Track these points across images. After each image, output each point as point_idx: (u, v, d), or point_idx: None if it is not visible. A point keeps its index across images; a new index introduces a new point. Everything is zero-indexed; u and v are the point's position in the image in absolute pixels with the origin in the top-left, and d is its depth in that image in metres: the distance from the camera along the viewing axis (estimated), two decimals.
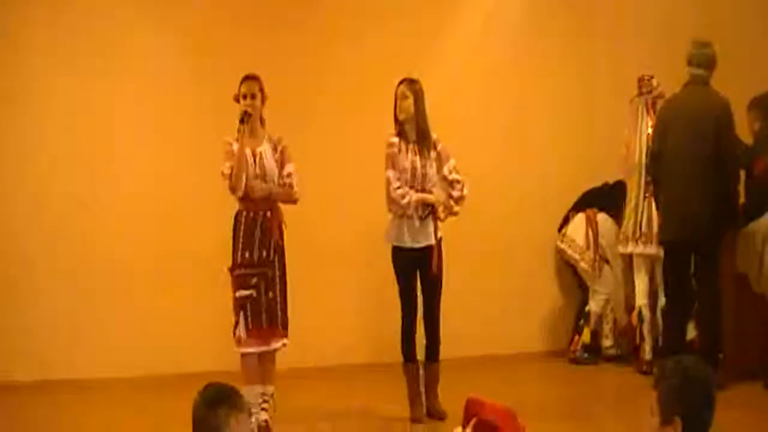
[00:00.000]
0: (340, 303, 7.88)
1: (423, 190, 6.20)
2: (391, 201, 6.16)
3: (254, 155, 5.88)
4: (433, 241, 6.18)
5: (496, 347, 7.97)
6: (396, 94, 6.20)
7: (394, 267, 6.24)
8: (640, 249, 7.43)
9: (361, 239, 7.62)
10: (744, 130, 7.11)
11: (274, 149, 5.97)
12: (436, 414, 6.20)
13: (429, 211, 6.19)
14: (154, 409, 6.71)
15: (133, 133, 7.69)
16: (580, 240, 7.89)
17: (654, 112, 7.31)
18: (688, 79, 6.72)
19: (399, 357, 6.30)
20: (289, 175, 5.98)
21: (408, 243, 6.18)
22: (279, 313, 5.92)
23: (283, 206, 6.04)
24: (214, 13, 7.73)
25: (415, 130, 6.21)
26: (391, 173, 6.16)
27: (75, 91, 7.60)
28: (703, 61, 6.64)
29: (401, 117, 6.20)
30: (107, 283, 7.60)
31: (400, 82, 6.22)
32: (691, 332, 6.96)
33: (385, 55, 7.73)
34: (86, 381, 7.31)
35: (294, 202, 6.04)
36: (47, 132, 7.63)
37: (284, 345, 5.98)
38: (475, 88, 8.19)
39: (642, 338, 7.45)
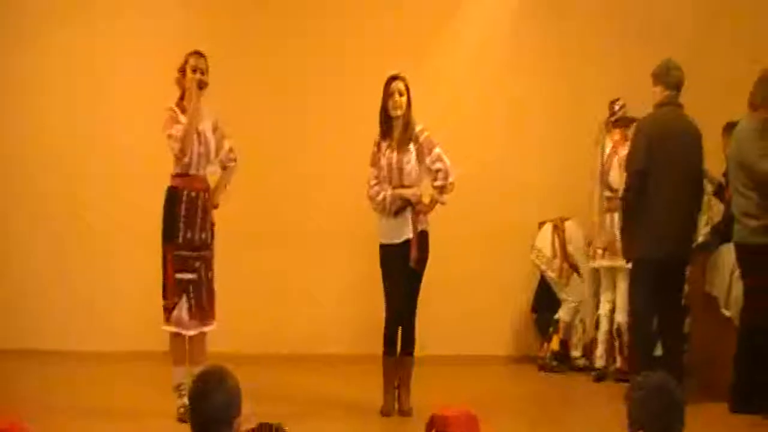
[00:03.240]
0: (323, 293, 7.93)
1: (402, 186, 6.22)
2: (369, 199, 6.24)
3: (198, 133, 5.89)
4: (410, 236, 6.19)
5: (466, 349, 8.06)
6: (390, 90, 6.18)
7: (380, 263, 6.26)
8: (608, 262, 7.56)
9: (344, 230, 7.65)
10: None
11: (214, 127, 6.02)
12: (402, 410, 6.21)
13: (402, 206, 6.19)
14: (142, 382, 6.83)
15: (127, 99, 7.75)
16: (547, 250, 7.98)
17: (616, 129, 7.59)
18: (665, 100, 6.69)
19: (379, 349, 6.31)
20: (231, 150, 6.10)
21: (386, 239, 6.23)
22: (214, 295, 5.96)
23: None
24: None
25: (402, 126, 6.23)
26: (370, 172, 6.25)
27: (69, 64, 7.74)
28: (679, 83, 6.71)
29: (397, 113, 6.19)
30: (97, 254, 7.72)
31: (394, 78, 6.20)
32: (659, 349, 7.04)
33: (385, 48, 7.80)
34: (71, 353, 7.40)
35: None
36: (34, 103, 7.68)
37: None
38: (476, 85, 8.30)
39: (596, 346, 7.66)
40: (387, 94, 6.20)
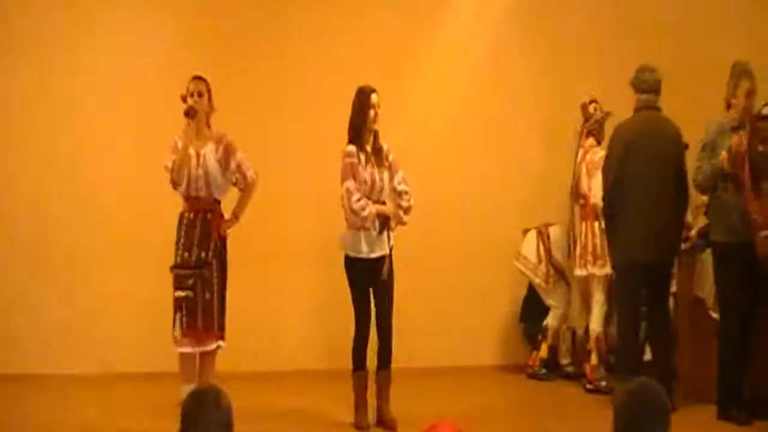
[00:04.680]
0: (295, 309, 7.89)
1: (379, 202, 6.19)
2: (352, 213, 6.04)
3: (198, 156, 5.95)
4: (387, 251, 6.16)
5: (454, 360, 8.01)
6: (372, 102, 6.10)
7: (349, 276, 6.18)
8: (596, 270, 7.50)
9: (317, 245, 7.60)
10: None
11: (217, 149, 6.03)
12: (386, 422, 6.17)
13: (385, 223, 6.16)
14: (111, 405, 6.74)
15: (106, 121, 7.72)
16: (532, 256, 7.91)
17: (589, 136, 7.58)
18: (640, 104, 6.70)
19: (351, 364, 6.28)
20: (238, 167, 6.08)
21: (364, 253, 6.13)
22: (215, 314, 5.98)
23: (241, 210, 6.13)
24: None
25: (373, 140, 6.20)
26: (350, 184, 6.05)
27: (49, 85, 7.70)
28: (655, 86, 6.69)
29: (374, 126, 6.14)
30: (78, 276, 7.67)
31: (372, 91, 6.12)
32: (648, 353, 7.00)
33: (357, 62, 7.76)
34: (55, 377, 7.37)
35: (254, 187, 6.17)
36: (14, 122, 7.66)
37: (219, 347, 6.06)
38: (453, 103, 8.25)
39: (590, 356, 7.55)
40: (368, 105, 6.11)
